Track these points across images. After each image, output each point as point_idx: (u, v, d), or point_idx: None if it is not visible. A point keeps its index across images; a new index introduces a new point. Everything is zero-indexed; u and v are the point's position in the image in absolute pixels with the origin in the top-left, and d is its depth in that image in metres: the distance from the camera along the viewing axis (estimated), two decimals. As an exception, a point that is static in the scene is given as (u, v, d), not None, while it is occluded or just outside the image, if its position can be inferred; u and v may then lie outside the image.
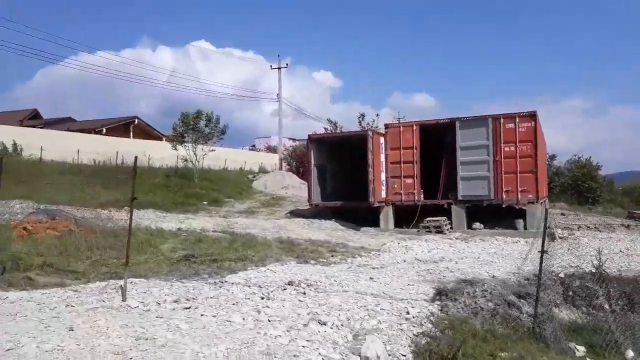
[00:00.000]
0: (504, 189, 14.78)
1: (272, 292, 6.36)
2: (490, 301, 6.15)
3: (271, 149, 49.96)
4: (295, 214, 17.81)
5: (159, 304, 5.55)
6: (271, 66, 36.01)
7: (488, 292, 6.48)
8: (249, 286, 6.75)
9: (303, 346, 4.38)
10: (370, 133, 15.74)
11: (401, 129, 16.23)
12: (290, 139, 49.96)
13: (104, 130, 33.95)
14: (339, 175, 18.02)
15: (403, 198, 16.08)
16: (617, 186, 38.91)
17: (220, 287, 6.60)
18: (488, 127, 14.90)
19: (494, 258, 10.46)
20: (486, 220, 15.39)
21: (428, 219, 15.23)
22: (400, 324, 5.21)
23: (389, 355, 4.41)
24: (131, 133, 36.74)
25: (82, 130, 32.39)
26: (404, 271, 8.65)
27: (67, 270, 7.32)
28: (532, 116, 14.61)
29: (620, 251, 12.08)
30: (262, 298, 6.03)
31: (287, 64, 36.07)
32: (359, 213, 16.67)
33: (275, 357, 4.02)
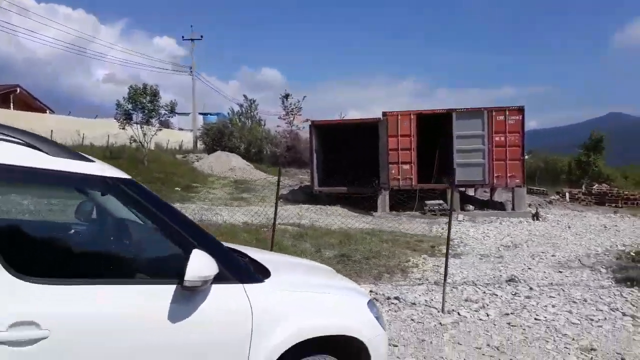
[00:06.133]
0: (495, 175, 16.54)
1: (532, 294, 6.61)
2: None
3: (163, 124, 46.47)
4: (289, 200, 17.55)
5: (489, 316, 5.59)
6: (183, 37, 33.62)
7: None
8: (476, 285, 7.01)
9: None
10: (382, 120, 16.16)
11: (399, 117, 16.92)
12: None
13: (-17, 100, 28.38)
14: (332, 161, 18.19)
15: (401, 183, 16.95)
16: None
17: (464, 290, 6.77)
18: (483, 119, 16.42)
19: (546, 239, 11.88)
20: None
21: (429, 202, 16.36)
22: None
23: None
24: (11, 104, 31.27)
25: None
26: (524, 259, 9.47)
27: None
28: (520, 110, 16.49)
29: (605, 227, 14.55)
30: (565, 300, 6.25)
31: (201, 36, 33.95)
32: (352, 198, 17.16)
33: None
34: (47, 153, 1.94)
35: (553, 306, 5.99)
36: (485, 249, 10.34)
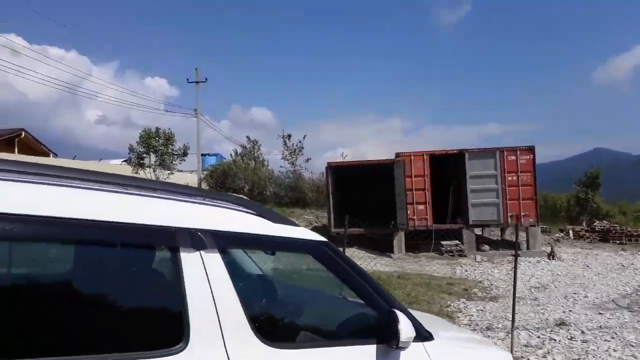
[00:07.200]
0: (509, 214, 16.76)
1: (587, 338, 6.66)
2: None
3: (165, 167, 46.69)
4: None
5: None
6: (188, 80, 34.01)
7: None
8: (528, 330, 7.06)
9: None
10: (398, 161, 16.45)
11: (412, 157, 17.23)
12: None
13: (-11, 144, 28.39)
14: (347, 202, 18.34)
15: (416, 223, 17.07)
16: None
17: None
18: (496, 159, 16.75)
19: (571, 280, 11.98)
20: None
21: (445, 242, 16.46)
22: None
23: None
24: (16, 148, 31.28)
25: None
26: (558, 301, 9.55)
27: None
28: (531, 150, 16.88)
29: (622, 265, 14.69)
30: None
31: (206, 79, 34.46)
32: (367, 239, 17.23)
33: None
34: (271, 220, 2.08)
35: (615, 350, 6.05)
36: (518, 291, 10.36)
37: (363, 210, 18.42)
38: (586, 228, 26.45)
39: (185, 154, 22.05)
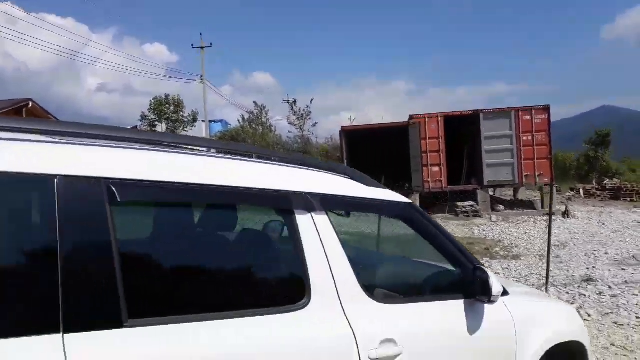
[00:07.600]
0: (524, 174, 16.78)
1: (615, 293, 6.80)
2: None
3: (175, 133, 46.73)
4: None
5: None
6: (192, 45, 33.51)
7: None
8: (556, 285, 7.21)
9: None
10: (413, 123, 16.40)
11: (426, 119, 17.14)
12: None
13: (-2, 115, 28.42)
14: (360, 165, 18.38)
15: (431, 185, 17.14)
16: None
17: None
18: (511, 119, 16.64)
19: (589, 237, 12.12)
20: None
21: (460, 203, 16.56)
22: None
23: None
24: (24, 117, 31.30)
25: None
26: (580, 258, 9.71)
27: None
28: (546, 109, 16.75)
29: (638, 222, 14.81)
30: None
31: (211, 44, 33.92)
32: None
33: None
34: (364, 184, 2.14)
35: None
36: (539, 249, 10.54)
37: (376, 173, 18.49)
38: (597, 186, 26.51)
39: (195, 119, 21.97)
